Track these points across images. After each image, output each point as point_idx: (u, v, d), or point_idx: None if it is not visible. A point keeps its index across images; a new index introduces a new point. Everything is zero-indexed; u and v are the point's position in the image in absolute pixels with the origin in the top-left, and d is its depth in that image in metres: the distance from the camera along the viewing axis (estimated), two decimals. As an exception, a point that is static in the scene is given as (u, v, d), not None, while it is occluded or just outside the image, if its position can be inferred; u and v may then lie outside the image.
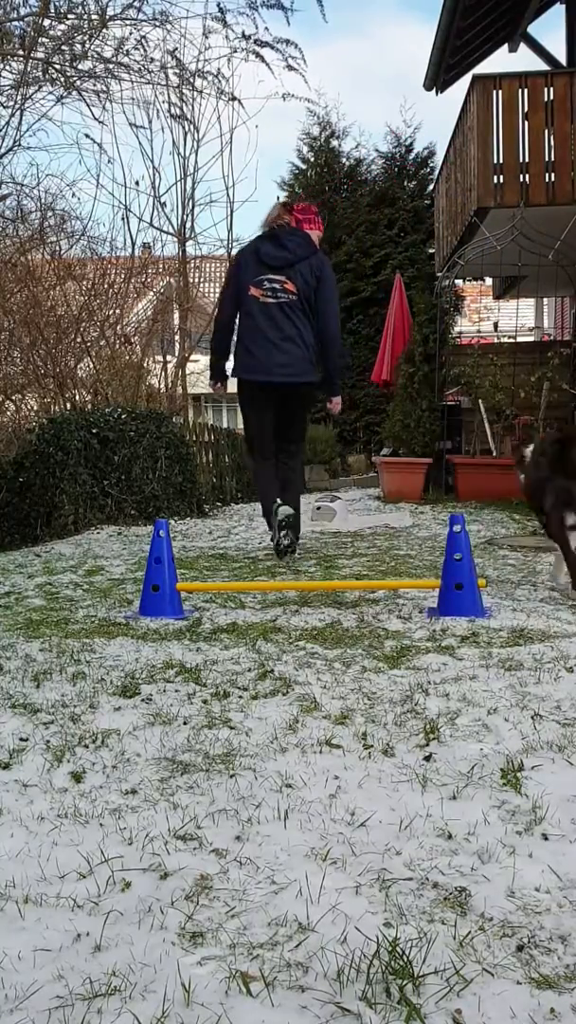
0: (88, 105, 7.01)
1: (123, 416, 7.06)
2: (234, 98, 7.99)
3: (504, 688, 1.96)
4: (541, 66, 11.25)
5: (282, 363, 4.57)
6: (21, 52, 6.47)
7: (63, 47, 6.54)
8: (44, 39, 6.55)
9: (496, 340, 11.21)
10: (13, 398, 8.21)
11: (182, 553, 4.75)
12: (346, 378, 4.87)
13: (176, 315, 9.99)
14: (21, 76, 6.59)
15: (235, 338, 4.62)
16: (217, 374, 4.74)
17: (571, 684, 1.98)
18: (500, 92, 8.90)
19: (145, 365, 8.92)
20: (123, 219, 10.47)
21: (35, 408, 8.30)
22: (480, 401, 8.76)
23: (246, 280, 4.50)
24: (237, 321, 4.62)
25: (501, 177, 8.92)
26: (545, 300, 14.25)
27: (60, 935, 1.06)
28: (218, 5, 7.13)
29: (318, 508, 6.78)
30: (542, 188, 8.87)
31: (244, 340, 4.57)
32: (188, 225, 9.42)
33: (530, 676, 2.05)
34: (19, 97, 6.70)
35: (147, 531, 6.15)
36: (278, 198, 16.16)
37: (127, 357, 8.64)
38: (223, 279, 5.40)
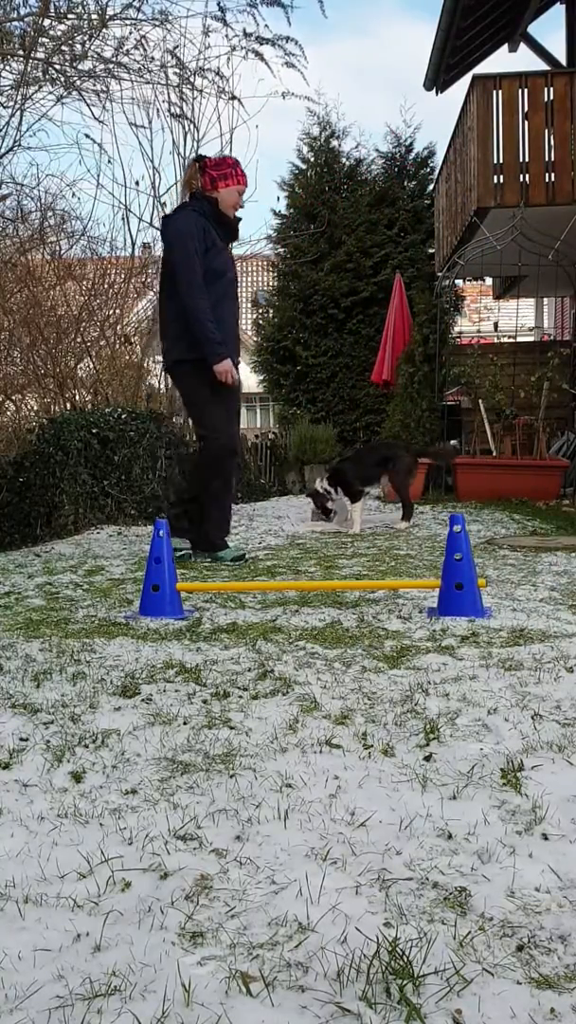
0: (88, 105, 7.01)
1: (123, 416, 7.06)
2: (234, 97, 7.95)
3: (504, 688, 1.96)
4: (541, 66, 11.26)
5: (163, 349, 4.52)
6: (21, 52, 6.47)
7: (63, 47, 6.53)
8: (44, 39, 6.55)
9: (496, 340, 11.22)
10: (13, 398, 8.21)
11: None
12: (212, 345, 4.14)
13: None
14: (21, 76, 6.59)
15: None
16: None
17: (571, 684, 1.98)
18: (500, 92, 8.91)
19: (145, 365, 8.91)
20: (123, 219, 10.48)
21: (35, 408, 8.29)
22: (480, 401, 8.77)
23: None
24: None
25: (501, 177, 8.92)
26: (545, 300, 14.26)
27: (60, 935, 1.06)
28: (218, 4, 7.09)
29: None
30: (542, 188, 8.88)
31: None
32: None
33: (530, 676, 2.04)
34: (19, 97, 6.70)
35: (147, 531, 6.15)
36: (278, 199, 16.11)
37: (127, 357, 8.64)
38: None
